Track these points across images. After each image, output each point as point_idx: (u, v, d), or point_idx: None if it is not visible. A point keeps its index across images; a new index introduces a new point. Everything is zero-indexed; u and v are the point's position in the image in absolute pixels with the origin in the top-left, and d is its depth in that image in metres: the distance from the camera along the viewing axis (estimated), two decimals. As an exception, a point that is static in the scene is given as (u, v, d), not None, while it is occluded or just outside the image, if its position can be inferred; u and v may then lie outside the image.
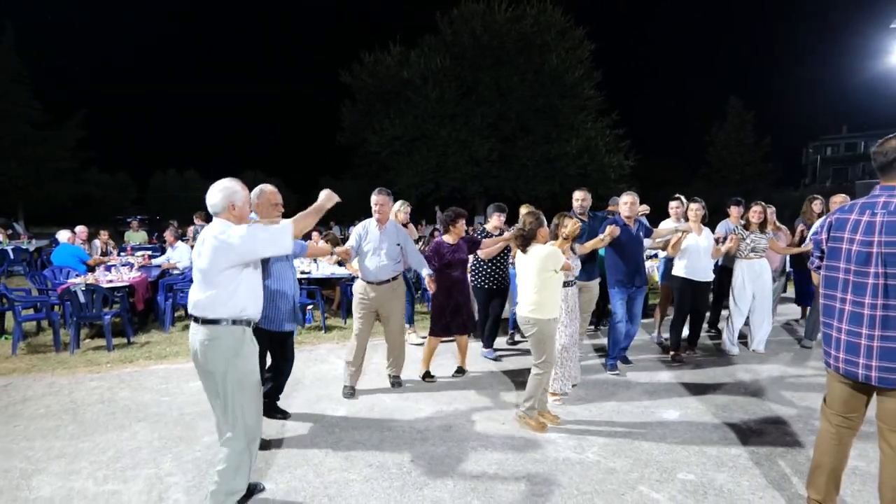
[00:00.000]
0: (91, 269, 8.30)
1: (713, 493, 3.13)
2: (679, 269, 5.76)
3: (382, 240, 4.77)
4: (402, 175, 23.91)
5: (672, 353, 5.80)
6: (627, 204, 5.30)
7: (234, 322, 2.72)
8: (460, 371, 5.35)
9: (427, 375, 5.18)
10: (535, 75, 24.00)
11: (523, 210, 5.41)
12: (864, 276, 2.43)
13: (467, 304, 5.20)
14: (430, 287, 4.87)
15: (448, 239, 5.09)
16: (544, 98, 24.11)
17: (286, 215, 4.65)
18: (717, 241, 5.90)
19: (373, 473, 3.36)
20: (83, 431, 3.96)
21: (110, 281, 6.99)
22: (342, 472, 3.38)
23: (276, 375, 4.10)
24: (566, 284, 4.47)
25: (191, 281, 7.86)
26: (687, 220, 5.88)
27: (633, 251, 5.29)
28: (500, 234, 5.62)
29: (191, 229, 11.40)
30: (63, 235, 8.91)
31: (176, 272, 8.44)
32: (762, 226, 6.01)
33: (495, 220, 5.70)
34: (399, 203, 6.12)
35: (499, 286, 5.74)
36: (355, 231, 4.85)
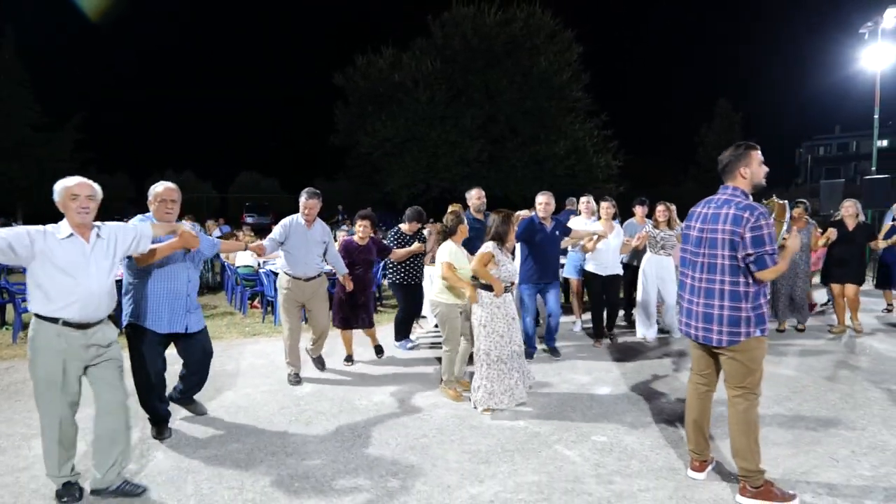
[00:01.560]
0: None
1: (618, 451, 3.63)
2: (588, 265, 6.25)
3: (310, 238, 5.01)
4: (394, 176, 24.44)
5: (594, 340, 6.33)
6: (542, 204, 5.48)
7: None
8: (379, 350, 5.80)
9: (348, 358, 5.64)
10: (524, 78, 24.56)
11: (452, 208, 5.88)
12: (696, 256, 3.06)
13: (368, 304, 5.59)
14: (348, 286, 5.28)
15: (357, 239, 5.49)
16: (533, 100, 24.67)
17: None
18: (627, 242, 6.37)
19: (328, 436, 3.87)
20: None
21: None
22: (302, 434, 3.89)
23: (185, 375, 4.00)
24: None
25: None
26: (600, 217, 6.36)
27: (549, 250, 5.55)
28: (414, 236, 6.12)
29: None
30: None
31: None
32: (669, 223, 6.44)
33: (409, 226, 6.15)
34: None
35: (411, 282, 6.12)
36: (281, 224, 4.99)
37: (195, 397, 4.20)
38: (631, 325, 7.18)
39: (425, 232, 6.45)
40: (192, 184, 34.61)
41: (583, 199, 6.75)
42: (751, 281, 2.87)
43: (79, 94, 42.50)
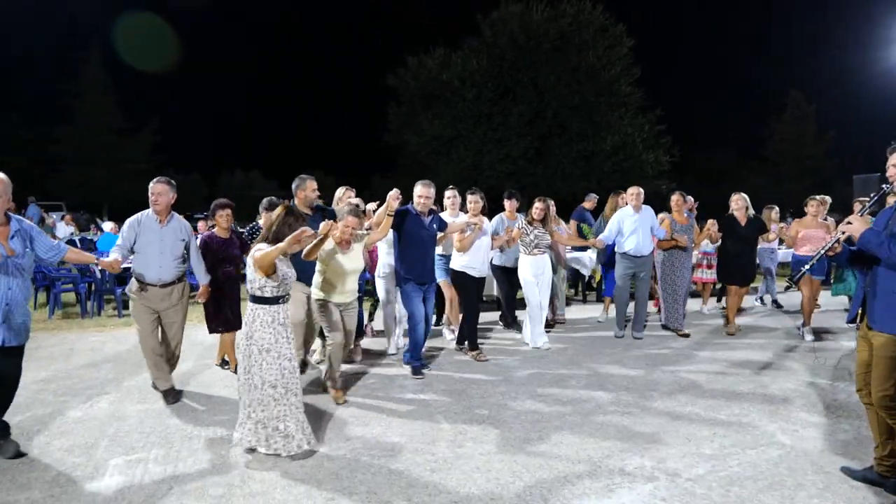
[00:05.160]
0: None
1: (477, 421, 4.03)
2: (457, 264, 5.68)
3: (164, 235, 4.28)
4: (441, 174, 25.02)
5: (473, 353, 5.63)
6: (422, 198, 5.10)
7: None
8: (226, 364, 5.31)
9: (224, 363, 5.24)
10: (573, 73, 24.45)
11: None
12: None
13: (235, 304, 5.08)
14: (201, 297, 4.69)
15: (219, 232, 4.96)
16: (581, 96, 24.51)
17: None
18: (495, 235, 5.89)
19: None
20: (68, 366, 5.38)
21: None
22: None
23: None
24: (274, 301, 3.41)
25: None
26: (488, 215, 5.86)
27: (428, 245, 5.20)
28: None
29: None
30: (107, 226, 10.72)
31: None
32: (544, 221, 5.95)
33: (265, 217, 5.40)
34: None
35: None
36: (128, 225, 4.27)
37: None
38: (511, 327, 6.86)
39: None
40: (259, 182, 36.85)
41: (447, 192, 6.09)
42: None
43: (155, 99, 45.91)
